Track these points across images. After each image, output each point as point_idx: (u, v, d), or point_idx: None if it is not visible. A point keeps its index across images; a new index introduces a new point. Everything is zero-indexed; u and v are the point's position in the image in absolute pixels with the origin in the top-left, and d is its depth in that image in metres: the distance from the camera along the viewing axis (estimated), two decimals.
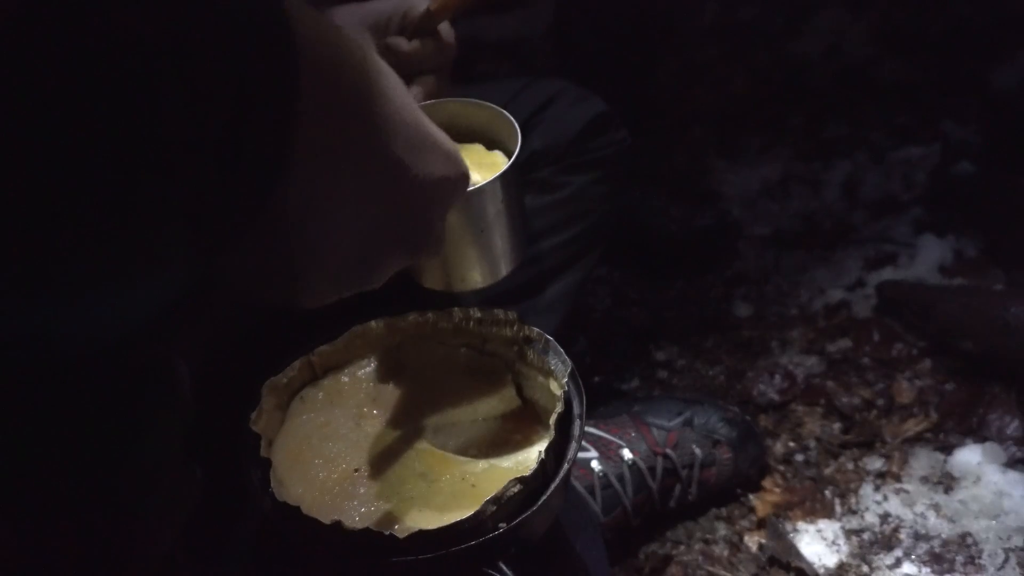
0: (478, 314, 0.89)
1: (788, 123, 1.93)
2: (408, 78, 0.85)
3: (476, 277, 0.88)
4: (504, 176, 0.80)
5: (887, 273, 1.55)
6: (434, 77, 0.88)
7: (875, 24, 1.96)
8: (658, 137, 1.83)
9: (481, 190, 0.79)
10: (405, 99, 0.55)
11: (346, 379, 0.87)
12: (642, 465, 1.12)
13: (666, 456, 1.14)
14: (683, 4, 1.96)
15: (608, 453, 1.12)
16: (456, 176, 0.61)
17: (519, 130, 0.84)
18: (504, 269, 0.88)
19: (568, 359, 0.84)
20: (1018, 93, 1.79)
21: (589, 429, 1.14)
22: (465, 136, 0.88)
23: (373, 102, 0.51)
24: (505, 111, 0.86)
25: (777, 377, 1.38)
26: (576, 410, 0.82)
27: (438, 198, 0.60)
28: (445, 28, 0.87)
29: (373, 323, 0.88)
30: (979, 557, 1.10)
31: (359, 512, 0.76)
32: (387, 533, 0.70)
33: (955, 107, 1.87)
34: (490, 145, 0.88)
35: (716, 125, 1.93)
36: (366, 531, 0.69)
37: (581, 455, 1.09)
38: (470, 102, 0.88)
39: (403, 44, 0.85)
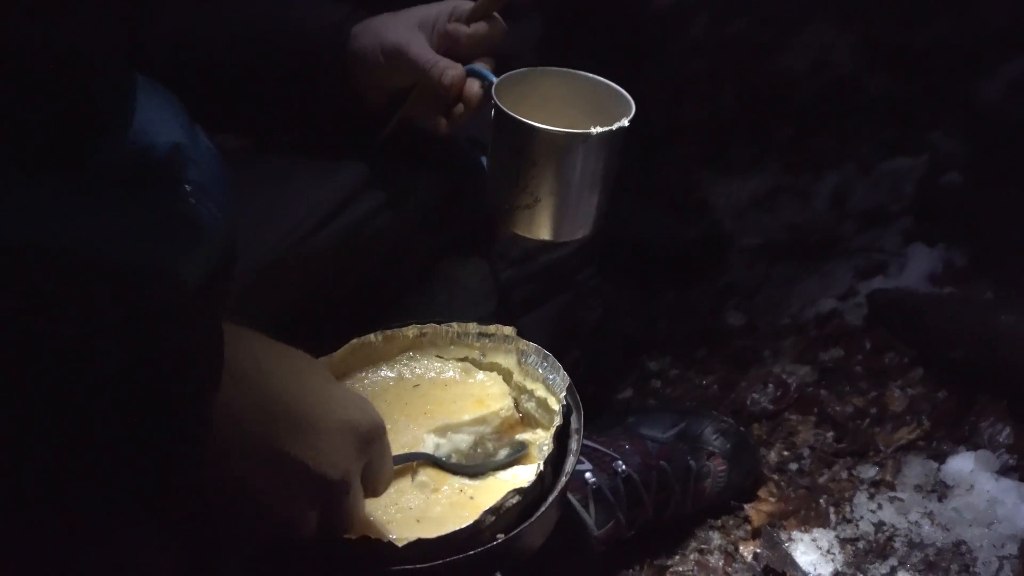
0: (477, 328, 0.90)
1: (776, 136, 1.94)
2: (467, 61, 0.94)
3: (582, 227, 0.96)
4: (619, 131, 0.91)
5: (877, 283, 1.56)
6: (491, 58, 0.97)
7: (861, 39, 1.97)
8: (647, 150, 1.84)
9: (608, 133, 0.90)
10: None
11: None
12: (636, 478, 1.12)
13: (660, 468, 1.14)
14: (671, 19, 1.97)
15: (602, 465, 1.12)
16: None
17: (631, 100, 0.94)
18: (595, 225, 0.97)
19: (566, 374, 0.85)
20: (1003, 105, 1.81)
21: (583, 441, 1.14)
22: (566, 104, 0.97)
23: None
24: (617, 85, 0.97)
25: (770, 386, 1.38)
26: (574, 424, 0.83)
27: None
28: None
29: (372, 336, 0.89)
30: (973, 565, 1.10)
31: None
32: (385, 541, 0.70)
33: (941, 119, 1.88)
34: (590, 112, 0.95)
35: (705, 138, 1.94)
36: (364, 539, 0.70)
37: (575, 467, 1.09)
38: (579, 74, 0.98)
39: (462, 29, 0.94)
